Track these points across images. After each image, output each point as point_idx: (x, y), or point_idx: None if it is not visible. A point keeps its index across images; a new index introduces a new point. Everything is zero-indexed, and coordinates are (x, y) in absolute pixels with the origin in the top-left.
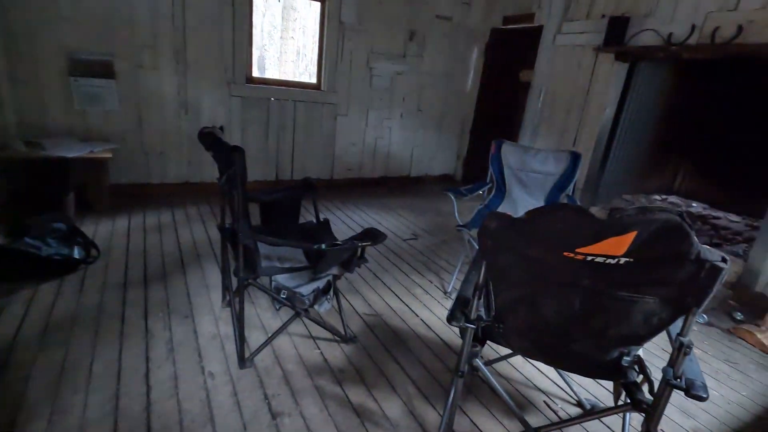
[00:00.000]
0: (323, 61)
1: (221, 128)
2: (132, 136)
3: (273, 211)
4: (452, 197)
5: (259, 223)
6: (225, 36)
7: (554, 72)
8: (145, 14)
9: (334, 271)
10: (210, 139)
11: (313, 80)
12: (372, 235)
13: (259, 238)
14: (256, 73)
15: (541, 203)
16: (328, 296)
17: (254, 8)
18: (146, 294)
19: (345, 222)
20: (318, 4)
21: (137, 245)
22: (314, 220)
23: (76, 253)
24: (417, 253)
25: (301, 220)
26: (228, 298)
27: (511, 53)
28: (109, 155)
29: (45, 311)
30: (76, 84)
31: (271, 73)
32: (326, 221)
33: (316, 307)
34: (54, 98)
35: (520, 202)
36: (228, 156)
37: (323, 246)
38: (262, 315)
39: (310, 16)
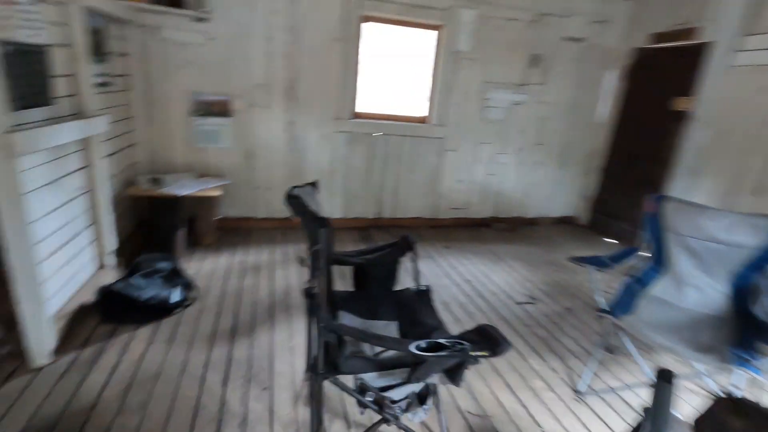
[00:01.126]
0: (434, 93)
1: (314, 184)
2: (242, 171)
3: (367, 274)
4: (589, 267)
5: (351, 287)
6: (333, 72)
7: (727, 99)
8: (261, 56)
9: (435, 380)
10: (297, 204)
11: (422, 113)
12: (490, 340)
13: (341, 330)
14: (362, 108)
15: (721, 285)
16: (426, 406)
17: (363, 42)
18: (231, 352)
19: (448, 274)
20: (434, 33)
21: (234, 287)
22: (414, 287)
23: (176, 295)
24: (534, 324)
25: (398, 271)
26: (308, 375)
27: (659, 77)
28: (218, 193)
29: (134, 363)
30: (196, 123)
31: (378, 108)
32: (427, 291)
33: (409, 416)
34: (178, 137)
35: (689, 279)
36: (313, 230)
37: (423, 349)
38: (347, 399)
39: (423, 46)
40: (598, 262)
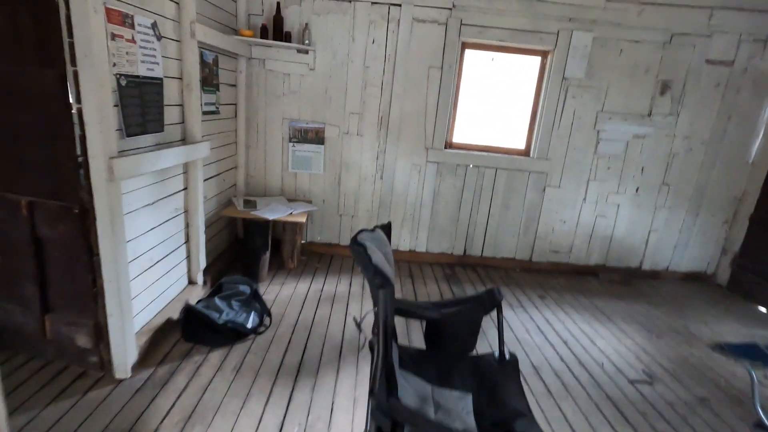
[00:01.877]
0: (537, 124)
1: (388, 228)
2: (330, 197)
3: (442, 331)
4: (750, 372)
5: (423, 346)
6: (430, 100)
7: None
8: (357, 84)
9: None
10: (361, 254)
11: (521, 145)
12: None
13: (397, 413)
14: (456, 138)
15: None
16: None
17: (463, 69)
18: (292, 393)
19: (541, 330)
20: (537, 59)
21: (307, 317)
22: (496, 353)
23: (251, 321)
24: (652, 414)
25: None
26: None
27: None
28: (304, 219)
29: (200, 389)
30: (293, 149)
31: (473, 138)
32: (513, 361)
33: None
34: (274, 161)
35: None
36: (373, 288)
37: None
38: None
39: (525, 72)
40: (760, 356)
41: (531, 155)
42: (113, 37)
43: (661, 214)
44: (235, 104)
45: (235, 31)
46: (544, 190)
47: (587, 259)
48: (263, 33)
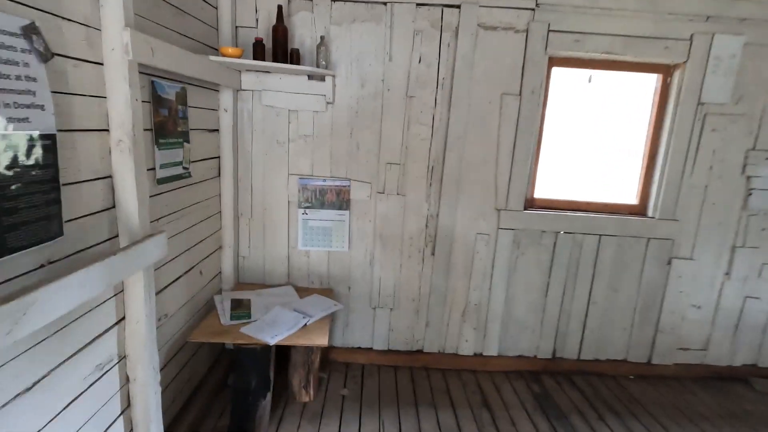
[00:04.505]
0: (657, 170)
1: None
2: (359, 284)
3: None
4: None
5: None
6: (503, 141)
7: None
8: (397, 123)
9: None
10: None
11: (633, 200)
12: None
13: None
14: (540, 194)
15: None
16: None
17: (549, 95)
18: None
19: None
20: (654, 78)
21: None
22: None
23: None
24: None
25: None
26: None
27: None
28: (326, 337)
29: None
30: (303, 218)
31: (563, 192)
32: None
33: None
34: (277, 236)
35: None
36: None
37: None
38: None
39: (636, 96)
40: None
41: (650, 214)
42: None
43: None
44: (217, 158)
45: (215, 50)
46: (670, 263)
47: (731, 358)
48: (258, 52)
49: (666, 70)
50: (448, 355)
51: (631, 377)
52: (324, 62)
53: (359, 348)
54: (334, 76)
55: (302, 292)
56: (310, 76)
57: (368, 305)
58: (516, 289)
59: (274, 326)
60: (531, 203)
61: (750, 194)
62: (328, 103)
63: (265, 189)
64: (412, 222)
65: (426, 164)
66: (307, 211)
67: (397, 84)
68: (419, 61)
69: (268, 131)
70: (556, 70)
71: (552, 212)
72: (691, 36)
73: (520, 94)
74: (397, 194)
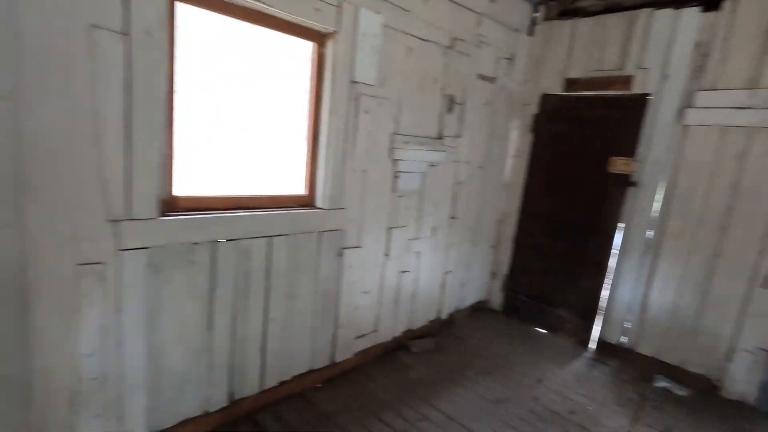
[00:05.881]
0: (322, 153)
1: None
2: None
3: None
4: None
5: None
6: (106, 110)
7: (686, 164)
8: None
9: None
10: None
11: (302, 190)
12: None
13: None
14: (183, 189)
15: None
16: None
17: (178, 50)
18: None
19: None
20: (310, 46)
21: None
22: None
23: None
24: None
25: None
26: None
27: (589, 132)
28: None
29: None
30: None
31: (217, 185)
32: None
33: None
34: None
35: None
36: None
37: None
38: None
39: (291, 69)
40: None
41: (319, 205)
42: None
43: (453, 251)
44: None
45: None
46: (341, 254)
47: (394, 330)
48: None
49: (320, 39)
50: None
51: (319, 386)
52: None
53: None
54: None
55: None
56: None
57: None
58: (164, 335)
59: None
60: (171, 205)
61: (397, 177)
62: None
63: None
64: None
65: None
66: None
67: None
68: None
69: None
70: (182, 8)
71: (205, 215)
72: (340, 2)
73: (127, 33)
74: None
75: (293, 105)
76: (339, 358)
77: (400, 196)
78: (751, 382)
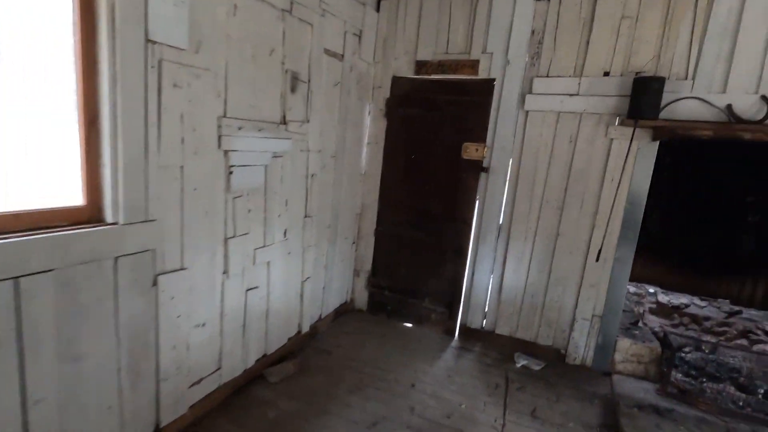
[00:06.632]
0: (106, 144)
1: None
2: None
3: None
4: None
5: None
6: None
7: (529, 149)
8: None
9: None
10: None
11: (76, 199)
12: None
13: None
14: None
15: None
16: None
17: None
18: None
19: None
20: None
21: None
22: None
23: None
24: None
25: None
26: None
27: (441, 118)
28: None
29: None
30: None
31: None
32: None
33: None
34: None
35: None
36: None
37: None
38: None
39: (43, 17)
40: None
41: (109, 219)
42: None
43: (310, 253)
44: None
45: None
46: (156, 282)
47: (246, 362)
48: None
49: None
50: None
51: None
52: None
53: None
54: None
55: None
56: None
57: None
58: None
59: None
60: None
61: (231, 172)
62: None
63: None
64: None
65: None
66: None
67: None
68: None
69: None
70: None
71: None
72: None
73: None
74: None
75: (53, 73)
76: (166, 421)
77: (237, 197)
78: (589, 347)
